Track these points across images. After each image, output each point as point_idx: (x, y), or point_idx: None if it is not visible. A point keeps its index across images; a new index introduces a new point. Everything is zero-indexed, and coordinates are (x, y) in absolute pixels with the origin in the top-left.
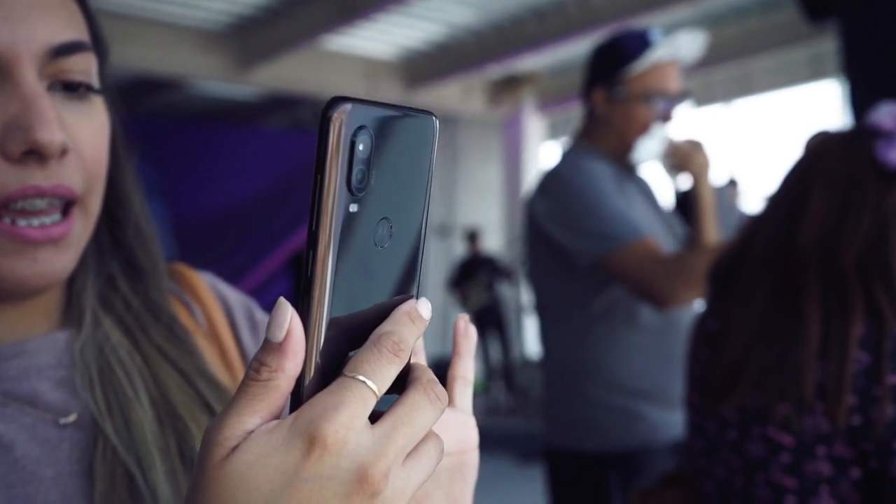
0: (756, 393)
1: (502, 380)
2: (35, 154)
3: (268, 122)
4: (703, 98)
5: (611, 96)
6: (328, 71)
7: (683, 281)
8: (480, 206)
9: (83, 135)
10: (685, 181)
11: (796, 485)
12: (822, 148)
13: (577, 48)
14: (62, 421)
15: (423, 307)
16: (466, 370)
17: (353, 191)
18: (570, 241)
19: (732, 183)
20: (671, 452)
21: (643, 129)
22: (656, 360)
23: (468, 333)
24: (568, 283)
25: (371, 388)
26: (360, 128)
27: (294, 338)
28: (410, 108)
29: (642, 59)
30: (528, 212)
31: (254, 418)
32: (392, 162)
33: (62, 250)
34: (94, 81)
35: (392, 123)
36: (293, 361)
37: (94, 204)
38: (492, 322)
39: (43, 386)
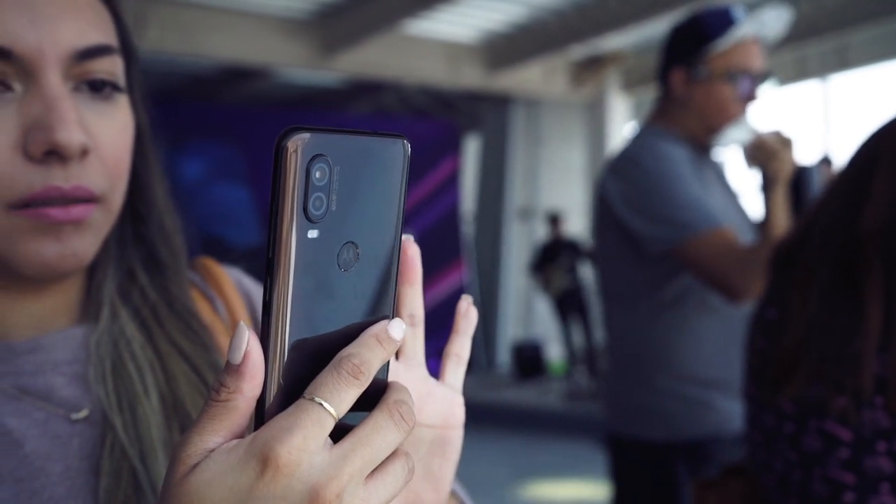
0: (813, 385)
1: (584, 364)
2: (56, 154)
3: (351, 108)
4: (797, 74)
5: (691, 76)
6: (410, 56)
7: (760, 274)
8: (563, 188)
9: (105, 135)
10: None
11: (855, 481)
12: (889, 128)
13: (662, 26)
14: (74, 416)
15: (395, 328)
16: (461, 348)
17: (311, 218)
18: (642, 228)
19: (826, 162)
20: (741, 442)
21: (726, 108)
22: (727, 348)
23: (468, 314)
24: (638, 269)
25: (328, 411)
26: (317, 156)
27: (251, 361)
28: (378, 133)
29: (726, 37)
30: (600, 194)
31: (215, 437)
32: (356, 187)
33: (83, 232)
34: (120, 82)
35: (355, 149)
36: (251, 384)
37: (116, 201)
38: (574, 306)
39: (58, 381)
